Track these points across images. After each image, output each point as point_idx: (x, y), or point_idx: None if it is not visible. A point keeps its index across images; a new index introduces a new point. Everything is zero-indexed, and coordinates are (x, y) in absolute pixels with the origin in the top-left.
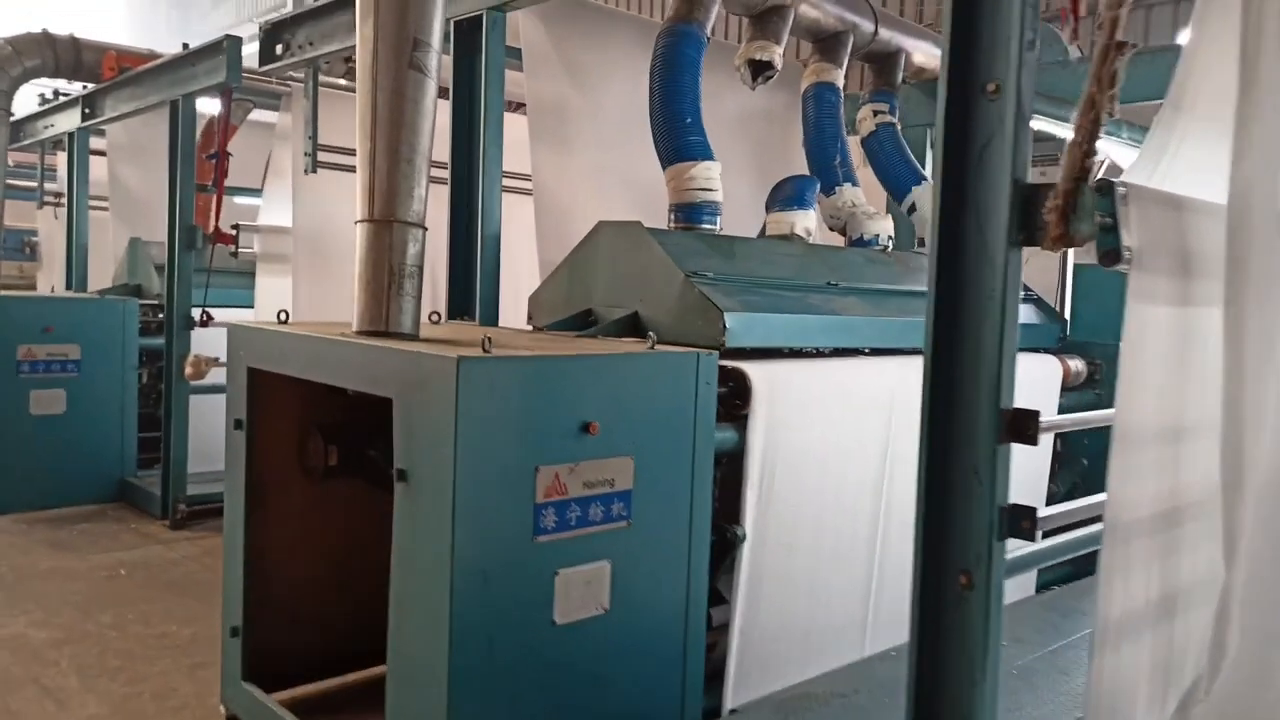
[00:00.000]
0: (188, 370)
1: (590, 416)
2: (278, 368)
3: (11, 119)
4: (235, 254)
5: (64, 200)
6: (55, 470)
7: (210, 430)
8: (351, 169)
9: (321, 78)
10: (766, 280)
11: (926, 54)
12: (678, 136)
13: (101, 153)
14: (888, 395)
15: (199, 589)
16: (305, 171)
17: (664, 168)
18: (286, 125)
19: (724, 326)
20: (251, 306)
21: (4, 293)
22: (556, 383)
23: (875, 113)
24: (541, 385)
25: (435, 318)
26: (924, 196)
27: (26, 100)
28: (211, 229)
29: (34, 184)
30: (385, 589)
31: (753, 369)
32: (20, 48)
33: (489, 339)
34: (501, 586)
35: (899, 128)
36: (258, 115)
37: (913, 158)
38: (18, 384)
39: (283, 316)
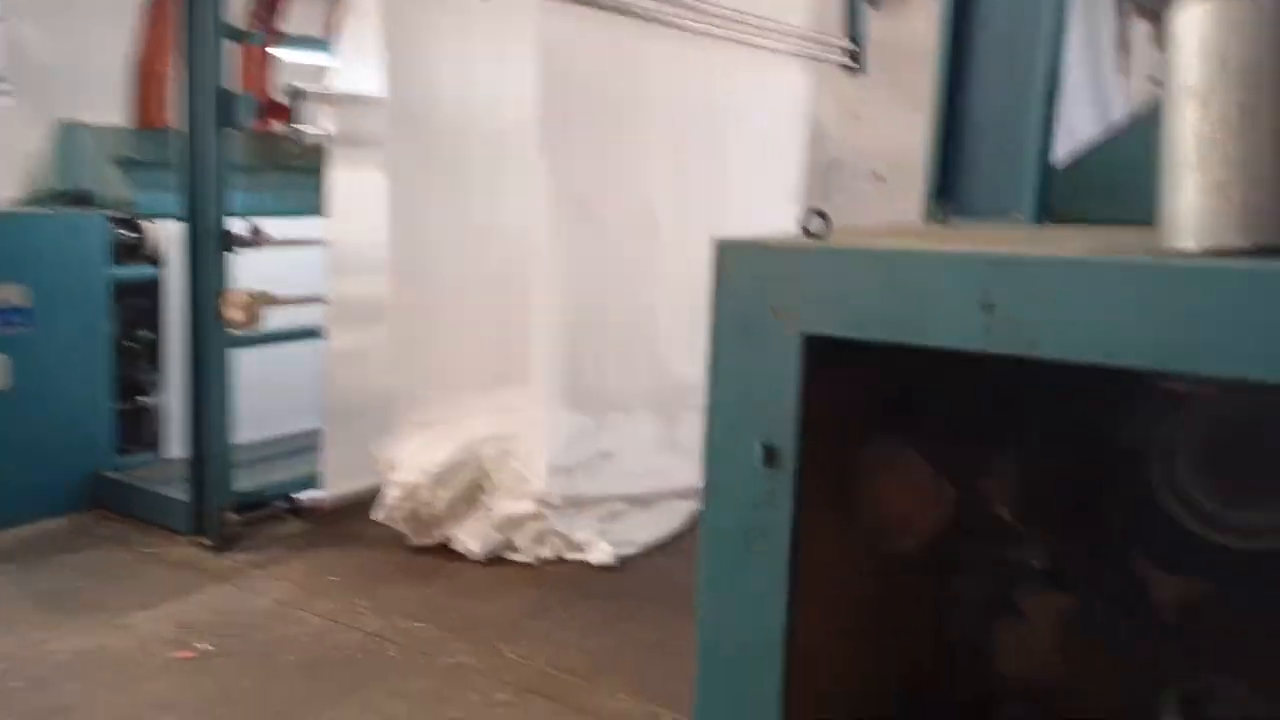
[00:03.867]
0: (234, 314)
1: None
2: (953, 340)
3: None
4: (297, 134)
5: None
6: (2, 473)
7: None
8: None
9: None
10: None
11: None
12: None
13: None
14: None
15: (378, 676)
16: None
17: None
18: None
19: None
20: (309, 214)
21: None
22: None
23: None
24: None
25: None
26: None
27: None
28: (265, 98)
29: None
30: None
31: None
32: None
33: None
34: None
35: None
36: None
37: None
38: None
39: (813, 226)
